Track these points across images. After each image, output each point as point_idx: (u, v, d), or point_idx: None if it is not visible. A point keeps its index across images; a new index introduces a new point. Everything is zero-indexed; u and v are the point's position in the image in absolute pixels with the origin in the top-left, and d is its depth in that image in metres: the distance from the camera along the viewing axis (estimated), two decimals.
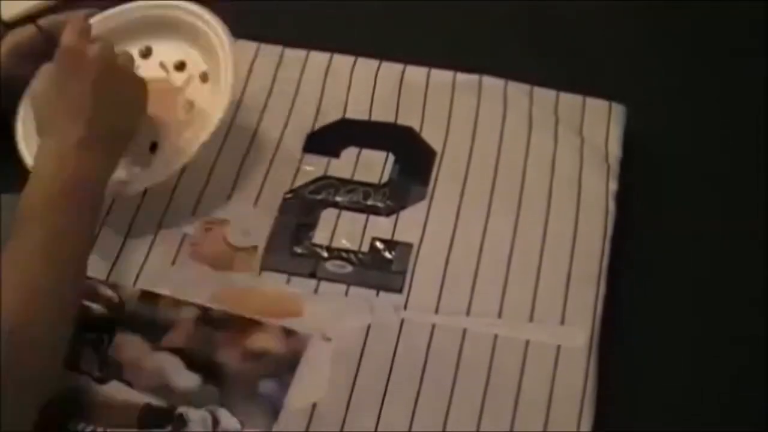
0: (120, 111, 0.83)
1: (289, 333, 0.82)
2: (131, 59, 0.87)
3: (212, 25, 0.90)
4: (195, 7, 0.91)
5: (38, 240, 0.75)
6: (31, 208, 0.76)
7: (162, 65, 0.93)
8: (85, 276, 0.79)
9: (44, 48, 0.87)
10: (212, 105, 0.88)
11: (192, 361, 0.81)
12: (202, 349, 0.82)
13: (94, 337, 0.82)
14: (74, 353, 0.80)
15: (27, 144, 0.88)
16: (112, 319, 0.83)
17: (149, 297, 0.84)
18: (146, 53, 0.93)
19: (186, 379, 0.80)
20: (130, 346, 0.82)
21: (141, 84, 0.86)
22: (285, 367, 0.80)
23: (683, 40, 0.99)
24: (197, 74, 0.92)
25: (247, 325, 0.82)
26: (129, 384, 0.80)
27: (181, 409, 0.79)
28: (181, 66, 0.93)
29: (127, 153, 0.85)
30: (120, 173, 0.85)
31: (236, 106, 0.94)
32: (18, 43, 0.92)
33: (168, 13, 0.92)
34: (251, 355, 0.81)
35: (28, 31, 0.92)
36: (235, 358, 0.81)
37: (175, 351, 0.81)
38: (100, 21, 0.91)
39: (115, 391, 0.80)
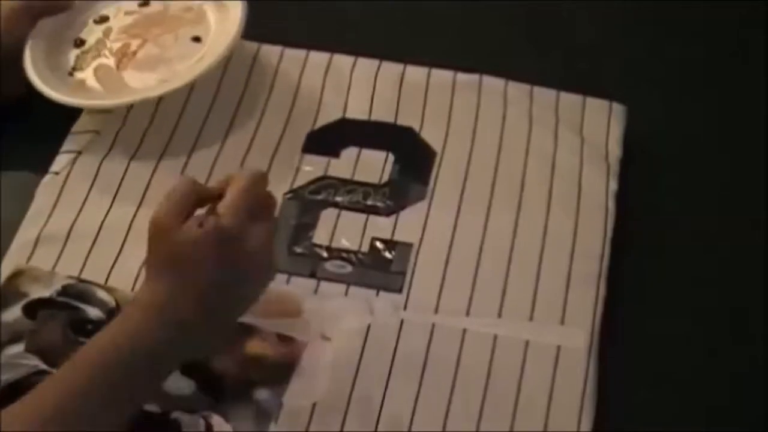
0: (238, 304, 0.74)
1: (284, 339, 0.81)
2: None
3: None
4: None
5: (56, 398, 0.68)
6: (90, 351, 0.70)
7: (128, 13, 0.96)
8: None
9: (37, 8, 0.92)
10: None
11: (187, 367, 0.80)
12: None
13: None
14: (69, 357, 0.79)
15: (43, 81, 0.90)
16: (108, 323, 0.81)
17: None
18: (102, 20, 0.96)
19: (180, 385, 0.80)
20: None
21: (268, 277, 0.76)
22: (280, 373, 0.80)
23: (683, 40, 0.99)
24: None
25: (242, 331, 0.81)
26: None
27: (175, 415, 0.78)
28: (145, 3, 0.96)
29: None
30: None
31: (236, 106, 0.94)
32: (12, 5, 0.92)
33: None
34: (246, 361, 0.80)
35: None
36: (230, 364, 0.80)
37: None
38: None
39: None
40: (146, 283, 0.73)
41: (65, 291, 0.84)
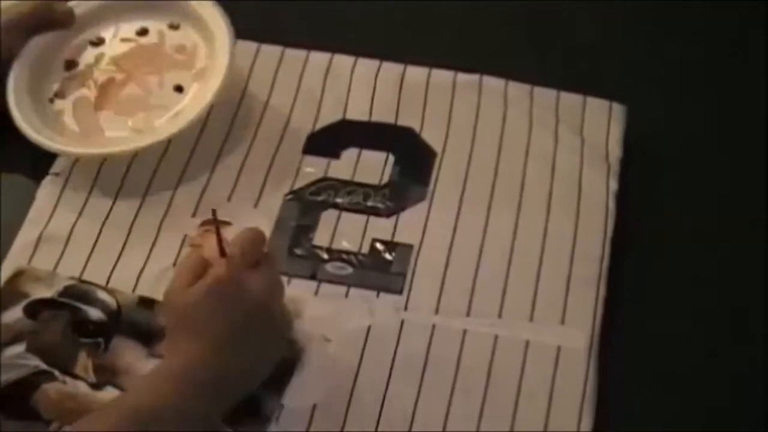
0: (255, 354, 0.76)
1: None
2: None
3: None
4: None
5: None
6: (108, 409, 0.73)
7: (124, 40, 0.94)
8: None
9: (34, 23, 0.91)
10: (203, 36, 0.92)
11: None
12: None
13: (90, 342, 0.82)
14: (69, 358, 0.80)
15: (20, 111, 0.89)
16: (109, 324, 0.83)
17: (146, 303, 0.83)
18: (97, 42, 0.95)
19: None
20: (126, 352, 0.81)
21: (276, 332, 0.78)
22: (279, 375, 0.79)
23: (683, 40, 0.99)
24: (165, 27, 0.94)
25: None
26: (123, 389, 0.79)
27: None
28: (143, 32, 0.95)
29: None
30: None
31: (236, 106, 0.94)
32: (9, 19, 0.91)
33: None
34: None
35: (18, 7, 0.92)
36: None
37: None
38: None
39: (110, 396, 0.79)
40: (166, 353, 0.76)
41: (66, 292, 0.84)
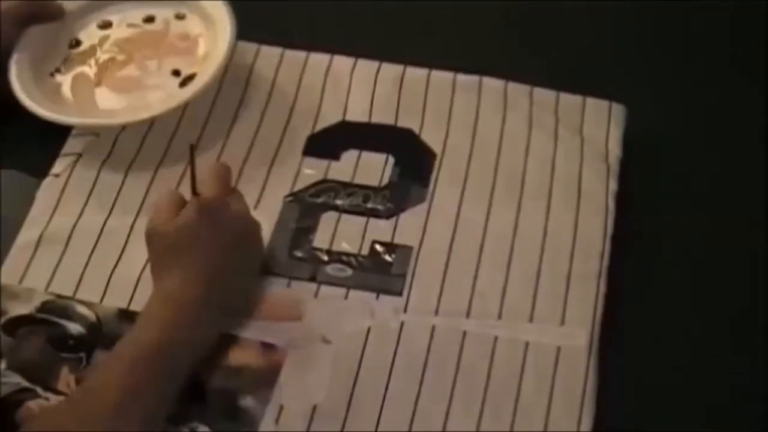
0: (243, 272, 0.82)
1: (266, 347, 0.82)
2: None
3: None
4: None
5: (112, 396, 0.73)
6: (122, 354, 0.76)
7: (131, 25, 0.96)
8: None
9: (28, 14, 0.93)
10: (207, 25, 0.93)
11: None
12: None
13: (71, 357, 0.81)
14: (50, 374, 0.80)
15: (19, 80, 0.90)
16: (89, 338, 0.82)
17: (126, 315, 0.83)
18: (105, 25, 0.96)
19: None
20: None
21: (261, 245, 0.85)
22: (264, 381, 0.80)
23: (683, 41, 0.99)
24: (171, 17, 0.95)
25: (224, 341, 0.81)
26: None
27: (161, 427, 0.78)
28: (150, 19, 0.96)
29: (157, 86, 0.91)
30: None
31: (236, 108, 0.94)
32: (10, 9, 0.93)
33: None
34: (230, 371, 0.81)
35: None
36: (213, 374, 0.80)
37: None
38: None
39: None
40: (155, 285, 0.79)
41: (44, 307, 0.84)
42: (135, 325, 0.78)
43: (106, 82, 0.93)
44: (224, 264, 0.79)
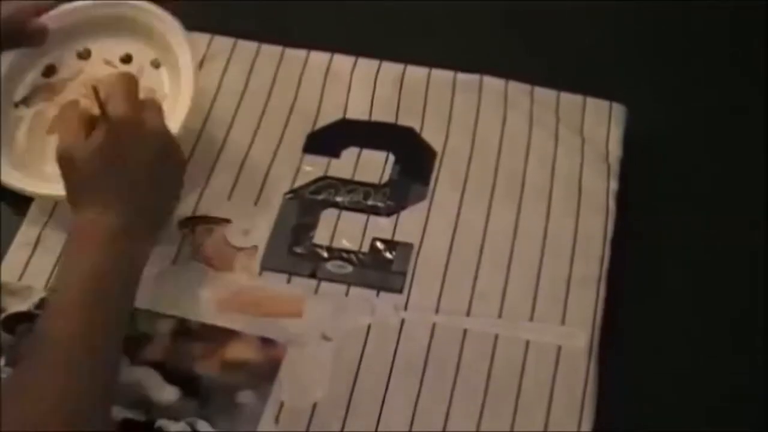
0: (166, 190, 0.81)
1: (266, 342, 0.82)
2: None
3: (156, 14, 0.91)
4: (134, 3, 0.92)
5: (76, 333, 0.71)
6: (68, 295, 0.73)
7: (107, 62, 0.93)
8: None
9: (6, 36, 0.89)
10: (175, 87, 0.89)
11: (170, 374, 0.80)
12: (180, 362, 0.81)
13: None
14: None
15: None
16: None
17: None
18: (85, 55, 0.94)
19: (165, 393, 0.80)
20: None
21: (183, 158, 0.84)
22: (263, 376, 0.80)
23: (683, 41, 0.99)
24: (147, 63, 0.92)
25: (223, 336, 0.81)
26: None
27: (161, 423, 0.78)
28: (127, 59, 0.93)
29: None
30: None
31: (236, 106, 0.94)
32: None
33: (104, 11, 0.93)
34: (229, 365, 0.81)
35: None
36: (213, 369, 0.80)
37: (154, 364, 0.81)
38: None
39: None
40: (75, 214, 0.77)
41: (43, 304, 0.84)
42: (63, 265, 0.76)
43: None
44: (145, 184, 0.77)
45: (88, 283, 0.73)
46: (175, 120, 0.85)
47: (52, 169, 0.82)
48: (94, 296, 0.72)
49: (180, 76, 0.89)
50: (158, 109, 0.80)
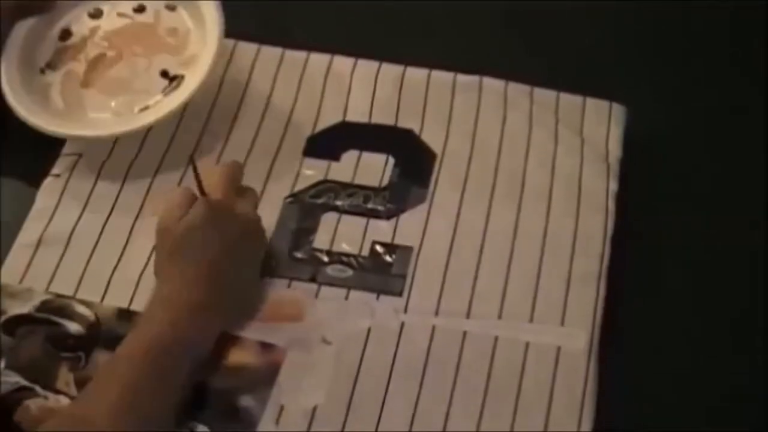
0: (243, 278, 0.82)
1: (265, 346, 0.82)
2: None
3: None
4: None
5: (112, 395, 0.73)
6: (124, 355, 0.76)
7: (121, 15, 0.94)
8: None
9: (17, 7, 0.91)
10: (198, 19, 0.92)
11: None
12: None
13: (70, 356, 0.81)
14: (50, 373, 0.80)
15: (8, 81, 0.89)
16: (88, 337, 0.82)
17: (125, 314, 0.83)
18: (96, 14, 0.95)
19: None
20: None
21: (263, 246, 0.84)
22: (262, 380, 0.80)
23: (683, 41, 0.99)
24: (161, 7, 0.94)
25: (222, 340, 0.81)
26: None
27: None
28: (140, 8, 0.95)
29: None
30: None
31: (236, 108, 0.94)
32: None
33: None
34: (228, 370, 0.81)
35: None
36: (212, 373, 0.80)
37: None
38: None
39: None
40: (157, 283, 0.80)
41: (43, 306, 0.84)
42: (136, 325, 0.78)
43: (96, 84, 0.92)
44: (226, 265, 0.79)
45: (146, 349, 0.75)
46: (207, 51, 0.89)
47: (95, 114, 0.89)
48: (147, 362, 0.75)
49: (200, 8, 0.92)
50: (253, 196, 0.84)
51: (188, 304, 0.77)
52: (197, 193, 0.80)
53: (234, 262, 0.80)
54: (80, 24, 0.95)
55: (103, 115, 0.90)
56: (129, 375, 0.74)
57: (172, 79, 0.91)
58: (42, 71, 0.93)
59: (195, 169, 0.80)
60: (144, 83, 0.91)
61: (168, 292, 0.78)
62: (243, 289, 0.82)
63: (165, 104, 0.89)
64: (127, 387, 0.73)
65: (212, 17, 0.91)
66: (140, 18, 0.95)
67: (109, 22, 0.95)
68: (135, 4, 0.95)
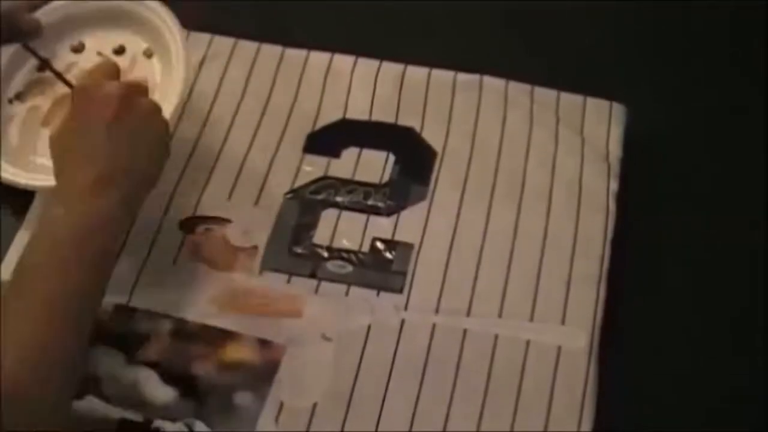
0: (140, 153, 0.78)
1: (264, 343, 0.82)
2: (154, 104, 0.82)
3: (147, 5, 0.92)
4: None
5: (44, 295, 0.70)
6: (37, 257, 0.72)
7: (100, 54, 0.94)
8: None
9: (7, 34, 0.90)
10: (167, 75, 0.90)
11: (168, 375, 0.80)
12: (177, 362, 0.81)
13: None
14: None
15: None
16: None
17: (123, 311, 0.83)
18: (79, 48, 0.94)
19: (162, 393, 0.80)
20: (105, 360, 0.81)
21: (165, 126, 0.82)
22: (261, 377, 0.80)
23: (683, 40, 0.99)
24: (140, 52, 0.93)
25: (222, 337, 0.81)
26: (104, 398, 0.79)
27: (158, 423, 0.78)
28: (120, 50, 0.94)
29: None
30: None
31: (236, 106, 0.94)
32: None
33: (96, 5, 0.94)
34: (227, 366, 0.81)
35: None
36: (210, 370, 0.80)
37: (151, 364, 0.81)
38: None
39: (90, 405, 0.79)
40: (59, 179, 0.77)
41: None
42: (42, 216, 0.76)
43: (53, 124, 0.90)
44: (115, 137, 0.76)
45: (55, 241, 0.72)
46: (166, 107, 0.84)
47: (45, 160, 0.82)
48: (60, 256, 0.72)
49: (171, 65, 0.90)
50: (129, 84, 0.82)
51: (82, 186, 0.74)
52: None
53: (122, 133, 0.77)
54: (60, 58, 0.94)
55: (48, 164, 0.82)
56: (59, 269, 0.71)
57: None
58: (10, 101, 0.92)
59: (50, 67, 0.82)
60: None
61: (58, 188, 0.76)
62: (149, 153, 0.79)
63: None
64: (60, 282, 0.71)
65: (179, 71, 0.89)
66: (117, 60, 0.92)
67: (86, 59, 0.94)
68: (116, 44, 0.94)
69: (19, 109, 0.92)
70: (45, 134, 0.88)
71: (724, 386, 0.81)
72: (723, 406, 0.80)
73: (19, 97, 0.93)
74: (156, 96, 0.88)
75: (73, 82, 0.85)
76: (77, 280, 0.72)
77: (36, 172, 0.88)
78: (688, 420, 0.79)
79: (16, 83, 0.93)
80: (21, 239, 0.87)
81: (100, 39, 0.94)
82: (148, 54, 0.93)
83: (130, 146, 0.77)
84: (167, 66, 0.91)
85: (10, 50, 0.93)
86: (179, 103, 0.87)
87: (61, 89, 0.91)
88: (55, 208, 0.74)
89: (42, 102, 0.92)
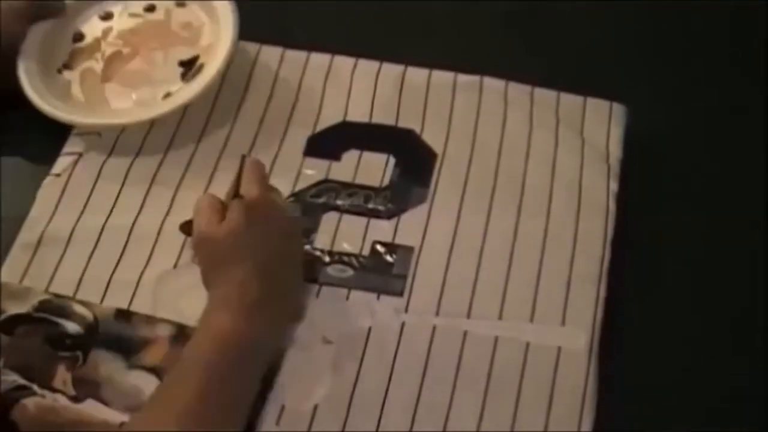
0: (290, 271, 0.81)
1: None
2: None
3: None
4: None
5: (191, 395, 0.72)
6: (189, 360, 0.75)
7: (132, 15, 0.97)
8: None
9: (29, 11, 0.93)
10: (210, 12, 0.94)
11: None
12: None
13: (68, 355, 0.81)
14: (47, 372, 0.80)
15: (29, 81, 0.91)
16: (86, 337, 0.82)
17: (123, 315, 0.83)
18: (107, 17, 0.97)
19: None
20: (104, 364, 0.81)
21: (302, 244, 0.85)
22: (263, 380, 0.79)
23: (683, 41, 0.99)
24: (171, 5, 0.97)
25: None
26: (105, 403, 0.79)
27: None
28: (151, 8, 0.97)
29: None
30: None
31: (237, 108, 0.94)
32: (13, 5, 0.93)
33: None
34: None
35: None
36: None
37: (151, 369, 0.81)
38: None
39: (90, 410, 0.79)
40: (209, 293, 0.78)
41: (42, 306, 0.84)
42: (193, 338, 0.76)
43: (115, 78, 0.94)
44: (274, 265, 0.78)
45: (212, 361, 0.74)
46: (224, 39, 0.91)
47: (117, 105, 0.92)
48: (223, 361, 0.74)
49: (212, 4, 0.94)
50: (279, 192, 0.83)
51: (245, 302, 0.76)
52: (233, 191, 0.79)
53: (280, 260, 0.79)
54: (92, 26, 0.97)
55: (125, 106, 0.92)
56: (202, 376, 0.73)
57: (190, 65, 0.93)
58: (59, 71, 0.94)
59: (241, 168, 0.80)
60: (163, 74, 0.93)
61: (223, 295, 0.77)
62: (291, 287, 0.82)
63: (188, 89, 0.90)
64: (201, 390, 0.72)
65: (225, 11, 0.93)
66: (151, 17, 0.96)
67: (120, 22, 0.97)
68: (145, 3, 0.97)
69: (72, 75, 0.94)
70: (110, 87, 0.94)
71: (724, 386, 0.81)
72: (723, 406, 0.80)
73: (67, 66, 0.95)
74: (206, 33, 0.94)
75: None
76: (225, 384, 0.74)
77: (113, 115, 0.92)
78: (688, 420, 0.79)
79: (59, 56, 0.95)
80: (23, 240, 0.88)
81: (126, 4, 0.97)
82: (181, 4, 0.96)
83: (285, 263, 0.80)
84: (208, 9, 0.95)
85: (42, 26, 0.94)
86: (234, 36, 0.92)
87: (108, 49, 0.95)
88: (212, 321, 0.76)
89: (92, 64, 0.95)
